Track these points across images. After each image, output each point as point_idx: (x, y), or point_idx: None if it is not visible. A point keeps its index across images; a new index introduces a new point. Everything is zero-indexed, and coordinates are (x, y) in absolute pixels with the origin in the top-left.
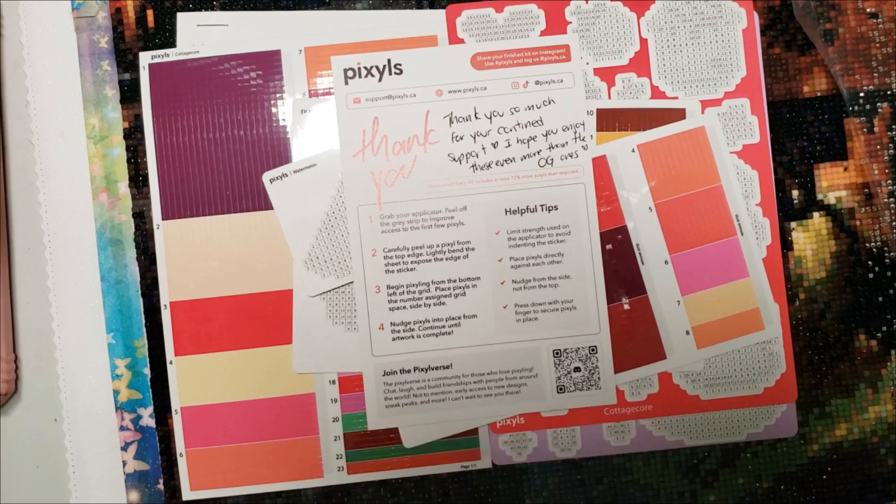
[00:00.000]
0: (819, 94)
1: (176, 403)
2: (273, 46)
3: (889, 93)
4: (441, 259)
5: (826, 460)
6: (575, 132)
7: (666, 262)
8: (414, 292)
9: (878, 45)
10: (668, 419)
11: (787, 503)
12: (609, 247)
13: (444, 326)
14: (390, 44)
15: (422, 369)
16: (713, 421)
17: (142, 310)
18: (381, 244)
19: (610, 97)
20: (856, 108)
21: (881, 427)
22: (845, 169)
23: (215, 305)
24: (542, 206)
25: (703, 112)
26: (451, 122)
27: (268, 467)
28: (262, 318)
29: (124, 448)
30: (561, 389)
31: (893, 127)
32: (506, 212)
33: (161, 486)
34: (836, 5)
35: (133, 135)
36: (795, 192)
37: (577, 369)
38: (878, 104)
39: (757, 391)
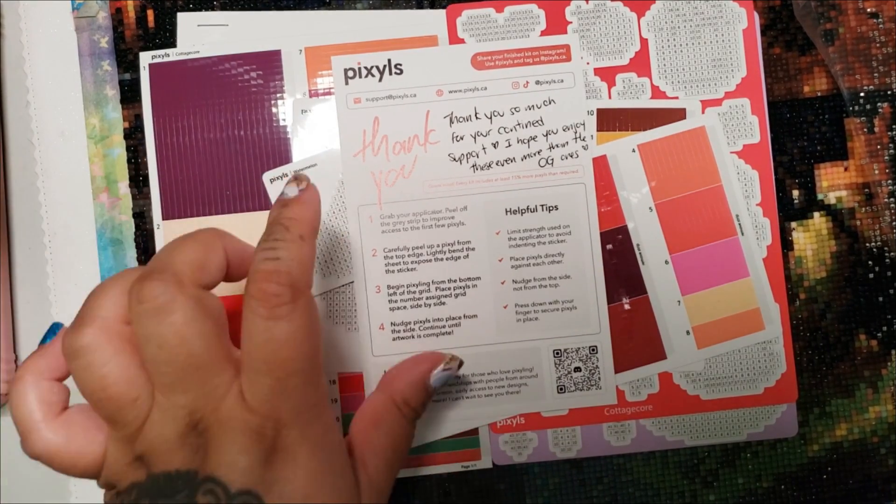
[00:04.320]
0: (819, 94)
1: None
2: (273, 46)
3: (889, 93)
4: (441, 259)
5: (826, 460)
6: (575, 132)
7: (666, 262)
8: (414, 292)
9: (878, 45)
10: (669, 419)
11: (787, 503)
12: (609, 247)
13: (444, 326)
14: (390, 44)
15: None
16: (713, 421)
17: None
18: (382, 244)
19: (610, 97)
20: (856, 108)
21: (881, 427)
22: (845, 169)
23: None
24: (542, 206)
25: (703, 112)
26: (451, 122)
27: None
28: None
29: None
30: (561, 389)
31: (894, 127)
32: (506, 212)
33: None
34: (836, 5)
35: (133, 135)
36: (796, 192)
37: (577, 369)
38: (879, 104)
39: (757, 391)
